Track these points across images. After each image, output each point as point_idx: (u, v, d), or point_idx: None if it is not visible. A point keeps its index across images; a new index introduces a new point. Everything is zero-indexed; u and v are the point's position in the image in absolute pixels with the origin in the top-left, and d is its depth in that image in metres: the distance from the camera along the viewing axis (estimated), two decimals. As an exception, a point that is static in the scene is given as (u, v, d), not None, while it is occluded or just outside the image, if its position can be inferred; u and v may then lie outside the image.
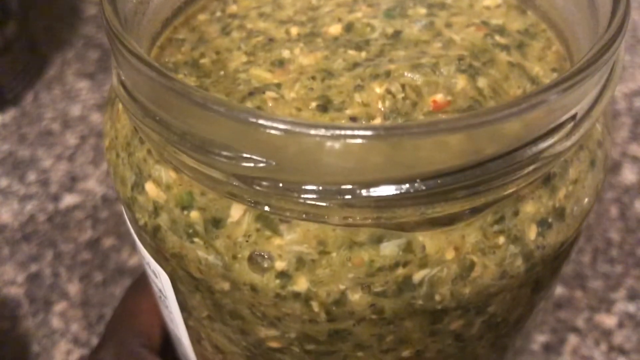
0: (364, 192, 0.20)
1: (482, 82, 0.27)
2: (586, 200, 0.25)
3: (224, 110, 0.19)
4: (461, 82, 0.27)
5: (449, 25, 0.30)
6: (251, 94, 0.26)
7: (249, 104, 0.25)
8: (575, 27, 0.28)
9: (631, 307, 0.47)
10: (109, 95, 0.28)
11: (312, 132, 0.19)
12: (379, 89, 0.26)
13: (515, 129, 0.20)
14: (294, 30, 0.29)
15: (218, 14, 0.30)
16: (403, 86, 0.26)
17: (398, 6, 0.31)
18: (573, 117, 0.22)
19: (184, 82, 0.19)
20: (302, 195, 0.20)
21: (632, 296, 0.47)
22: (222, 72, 0.27)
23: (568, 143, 0.22)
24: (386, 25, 0.30)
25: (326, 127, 0.19)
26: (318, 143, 0.19)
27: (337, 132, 0.18)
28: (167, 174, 0.23)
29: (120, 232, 0.52)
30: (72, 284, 0.50)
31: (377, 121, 0.25)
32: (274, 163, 0.20)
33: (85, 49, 0.65)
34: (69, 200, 0.54)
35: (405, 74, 0.27)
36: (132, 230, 0.26)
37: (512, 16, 0.30)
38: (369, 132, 0.18)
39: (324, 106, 0.25)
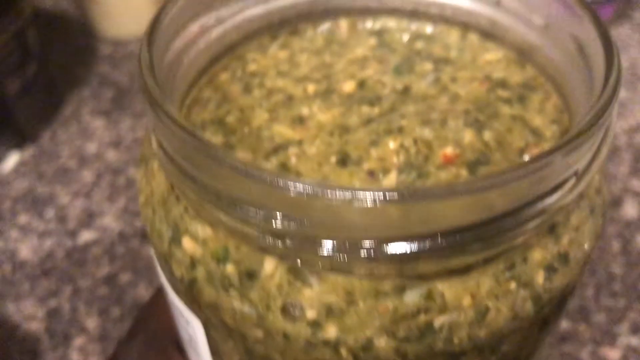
0: (386, 248, 0.21)
1: (487, 135, 0.28)
2: (587, 244, 0.27)
3: (255, 173, 0.21)
4: (468, 135, 0.28)
5: (454, 80, 0.31)
6: (275, 150, 0.27)
7: (274, 160, 0.27)
8: (572, 81, 0.30)
9: (634, 341, 0.47)
10: (142, 153, 0.29)
11: (337, 195, 0.20)
12: (392, 144, 0.27)
13: (524, 188, 0.22)
14: (311, 88, 0.31)
15: (239, 73, 0.32)
16: (415, 141, 0.28)
17: (406, 62, 0.33)
18: (575, 172, 0.23)
19: (219, 147, 0.21)
20: (329, 250, 0.22)
21: (635, 329, 0.47)
22: (246, 130, 0.29)
23: (571, 196, 0.24)
24: (396, 81, 0.31)
25: (349, 191, 0.20)
26: (341, 204, 0.20)
27: (359, 195, 0.20)
28: (203, 230, 0.25)
29: (137, 267, 0.53)
30: (90, 318, 0.51)
31: (393, 175, 0.26)
32: (301, 221, 0.22)
33: (101, 87, 0.66)
34: (86, 236, 0.55)
35: (417, 129, 0.28)
36: (164, 281, 0.28)
37: (513, 70, 0.32)
38: (391, 196, 0.20)
39: (343, 160, 0.27)
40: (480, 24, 0.33)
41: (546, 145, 0.29)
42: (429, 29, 0.35)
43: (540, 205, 0.22)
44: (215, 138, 0.28)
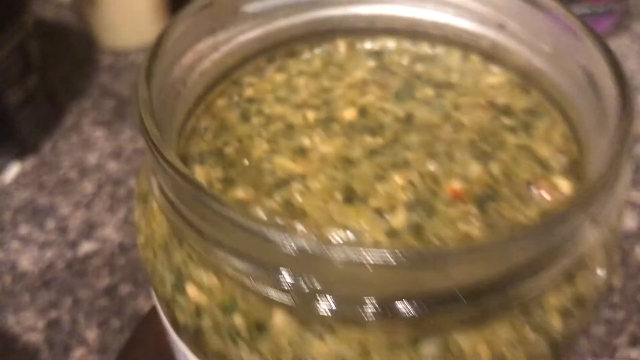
0: (398, 306, 0.18)
1: (494, 167, 0.25)
2: (603, 284, 0.23)
3: (259, 230, 0.18)
4: (475, 168, 0.25)
5: (457, 107, 0.28)
6: (278, 186, 0.24)
7: (277, 197, 0.24)
8: (580, 110, 0.27)
9: (633, 353, 0.44)
10: (139, 190, 0.25)
11: (338, 255, 0.18)
12: (399, 179, 0.24)
13: (542, 245, 0.18)
14: (311, 115, 0.27)
15: (236, 98, 0.29)
16: (422, 175, 0.24)
17: (406, 87, 0.29)
18: (594, 219, 0.20)
19: (222, 199, 0.18)
20: (335, 307, 0.18)
21: (634, 342, 0.45)
22: (246, 162, 0.25)
23: (590, 244, 0.20)
24: (397, 108, 0.28)
25: (352, 250, 0.18)
26: (351, 264, 0.17)
27: (363, 255, 0.17)
28: (208, 278, 0.21)
29: (137, 279, 0.50)
30: (90, 330, 0.48)
31: (401, 214, 0.23)
32: (303, 277, 0.19)
33: (101, 98, 0.62)
34: (86, 247, 0.52)
35: (422, 162, 0.25)
36: (166, 323, 0.24)
37: (517, 95, 0.29)
38: (399, 259, 0.17)
39: (349, 197, 0.24)
40: (481, 45, 0.29)
41: (554, 178, 0.25)
42: (428, 50, 0.31)
43: (558, 258, 0.19)
44: (214, 171, 0.25)
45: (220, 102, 0.29)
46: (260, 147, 0.26)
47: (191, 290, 0.22)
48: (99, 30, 0.62)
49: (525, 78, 0.29)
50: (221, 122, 0.27)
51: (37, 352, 0.46)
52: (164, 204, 0.20)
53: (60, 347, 0.46)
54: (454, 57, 0.31)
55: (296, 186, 0.24)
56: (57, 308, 0.48)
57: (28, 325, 0.47)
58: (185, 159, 0.26)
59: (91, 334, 0.47)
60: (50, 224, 0.53)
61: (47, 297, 0.49)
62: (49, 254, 0.51)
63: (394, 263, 0.17)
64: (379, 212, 0.23)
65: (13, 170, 0.55)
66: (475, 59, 0.30)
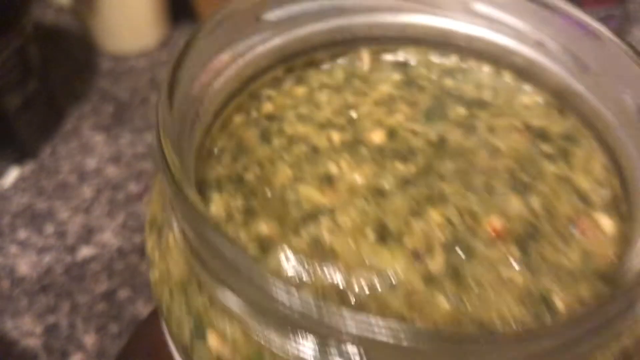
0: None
1: (535, 201, 0.22)
2: None
3: (282, 296, 0.14)
4: (515, 202, 0.22)
5: (491, 129, 0.25)
6: (304, 220, 0.20)
7: (304, 235, 0.20)
8: (622, 141, 0.23)
9: None
10: (152, 216, 0.22)
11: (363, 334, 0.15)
12: (436, 216, 0.21)
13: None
14: (336, 137, 0.24)
15: (254, 114, 0.25)
16: (460, 211, 0.21)
17: (437, 105, 0.26)
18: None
19: (245, 253, 0.14)
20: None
21: None
22: (268, 191, 0.21)
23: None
24: (429, 130, 0.25)
25: (381, 330, 0.15)
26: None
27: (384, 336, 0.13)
28: (232, 328, 0.17)
29: (135, 283, 0.47)
30: (88, 335, 0.45)
31: (440, 256, 0.20)
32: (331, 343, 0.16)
33: (101, 102, 0.59)
34: (85, 252, 0.49)
35: (460, 195, 0.21)
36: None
37: (553, 117, 0.25)
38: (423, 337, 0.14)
39: (382, 235, 0.20)
40: (515, 62, 0.26)
41: (596, 215, 0.22)
42: (458, 64, 0.27)
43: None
44: (234, 201, 0.21)
45: (238, 119, 0.25)
46: (283, 174, 0.22)
47: (213, 340, 0.18)
48: (99, 34, 0.60)
49: (561, 100, 0.25)
50: (239, 143, 0.24)
51: (35, 357, 0.43)
52: (184, 246, 0.16)
53: (58, 352, 0.43)
54: (485, 73, 0.28)
55: (324, 221, 0.20)
56: (55, 313, 0.45)
57: (26, 330, 0.44)
58: (201, 185, 0.22)
59: (89, 339, 0.44)
60: (49, 228, 0.50)
61: (45, 301, 0.46)
62: (47, 258, 0.48)
63: (405, 343, 0.13)
64: (416, 254, 0.20)
65: (12, 174, 0.53)
66: (507, 75, 0.27)
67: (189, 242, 0.17)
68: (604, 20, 0.58)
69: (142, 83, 0.61)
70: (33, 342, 0.44)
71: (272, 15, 0.24)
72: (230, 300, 0.16)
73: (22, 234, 0.49)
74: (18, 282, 0.47)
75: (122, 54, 0.61)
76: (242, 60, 0.24)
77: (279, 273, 0.19)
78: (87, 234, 0.49)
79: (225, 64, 0.24)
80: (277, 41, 0.26)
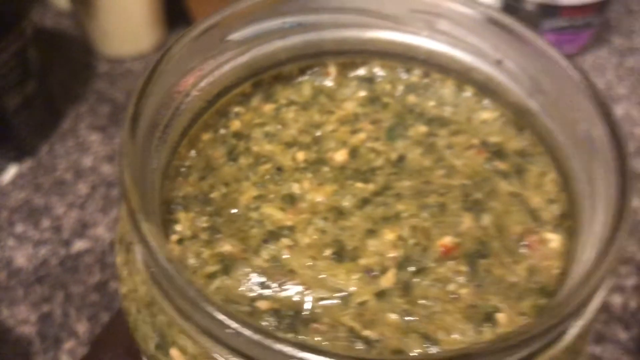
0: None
1: (486, 219, 0.22)
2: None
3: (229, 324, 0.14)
4: (467, 221, 0.22)
5: (449, 147, 0.25)
6: (266, 241, 0.20)
7: (264, 254, 0.19)
8: (572, 159, 0.22)
9: (597, 350, 0.42)
10: (120, 234, 0.21)
11: None
12: (390, 235, 0.20)
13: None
14: (301, 156, 0.23)
15: (222, 131, 0.24)
16: (413, 229, 0.20)
17: (399, 123, 0.25)
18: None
19: (193, 285, 0.13)
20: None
21: (598, 339, 0.43)
22: (233, 211, 0.21)
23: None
24: (389, 149, 0.24)
25: None
26: None
27: None
28: (193, 346, 0.17)
29: None
30: (80, 323, 0.45)
31: (391, 273, 0.19)
32: None
33: (98, 103, 0.58)
34: (79, 245, 0.49)
35: (414, 214, 0.21)
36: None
37: (510, 134, 0.25)
38: None
39: (339, 254, 0.19)
40: (476, 78, 0.25)
41: (544, 232, 0.21)
42: (422, 79, 0.26)
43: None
44: (199, 220, 0.20)
45: (206, 137, 0.24)
46: (248, 193, 0.22)
47: (175, 355, 0.18)
48: (97, 38, 0.59)
49: (520, 117, 0.25)
50: (207, 161, 0.23)
51: (29, 344, 0.43)
52: (145, 271, 0.16)
53: (52, 339, 0.43)
54: (448, 88, 0.27)
55: (284, 241, 0.20)
56: (50, 302, 0.45)
57: (21, 319, 0.44)
58: (169, 204, 0.21)
59: (81, 327, 0.44)
60: (45, 223, 0.50)
61: (40, 292, 0.46)
62: (43, 251, 0.48)
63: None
64: (369, 271, 0.19)
65: (11, 171, 0.53)
66: (469, 90, 0.27)
67: (148, 269, 0.16)
68: (582, 28, 0.58)
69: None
70: (28, 330, 0.44)
71: (237, 35, 0.24)
72: (185, 325, 0.16)
73: (19, 228, 0.49)
74: (15, 273, 0.47)
75: (119, 57, 0.61)
76: (209, 79, 0.24)
77: (233, 295, 0.19)
78: (82, 229, 0.50)
79: (191, 84, 0.23)
80: (243, 58, 0.25)
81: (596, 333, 0.43)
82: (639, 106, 0.56)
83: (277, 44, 0.25)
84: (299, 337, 0.19)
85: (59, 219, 0.50)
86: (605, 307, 0.44)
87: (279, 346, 0.14)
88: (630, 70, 0.59)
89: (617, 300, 0.44)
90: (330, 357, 0.14)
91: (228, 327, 0.15)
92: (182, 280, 0.15)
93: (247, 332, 0.15)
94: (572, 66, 0.22)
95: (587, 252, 0.19)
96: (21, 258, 0.48)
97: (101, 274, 0.47)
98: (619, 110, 0.56)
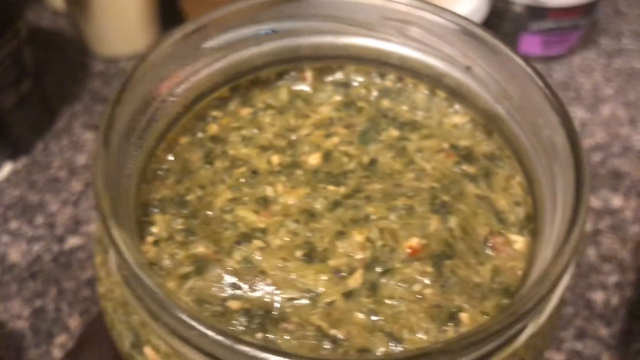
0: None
1: (452, 221, 0.22)
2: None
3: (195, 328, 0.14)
4: (434, 223, 0.22)
5: (420, 150, 0.25)
6: (239, 242, 0.20)
7: (237, 256, 0.20)
8: (536, 165, 0.22)
9: (579, 345, 0.43)
10: (98, 235, 0.21)
11: None
12: (359, 237, 0.20)
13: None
14: (275, 160, 0.24)
15: (200, 135, 0.24)
16: (381, 231, 0.20)
17: (372, 127, 0.25)
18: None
19: (161, 292, 0.13)
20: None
21: (580, 335, 0.43)
22: (208, 213, 0.21)
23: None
24: (362, 152, 0.24)
25: None
26: None
27: None
28: (166, 345, 0.17)
29: None
30: (72, 318, 0.45)
31: (359, 274, 0.20)
32: None
33: (92, 102, 0.59)
34: (72, 241, 0.49)
35: (383, 217, 0.21)
36: None
37: (479, 137, 0.25)
38: None
39: (309, 255, 0.20)
40: (448, 83, 0.26)
41: (509, 234, 0.21)
42: (396, 84, 0.26)
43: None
44: (175, 222, 0.20)
45: (184, 140, 0.25)
46: (223, 196, 0.22)
47: (149, 353, 0.18)
48: (92, 38, 0.59)
49: (488, 121, 0.25)
50: (184, 164, 0.23)
51: (22, 338, 0.43)
52: (118, 274, 0.16)
53: (45, 333, 0.43)
54: (421, 93, 0.27)
55: (257, 243, 0.20)
56: (43, 297, 0.45)
57: (14, 313, 0.44)
58: (146, 206, 0.21)
59: (73, 322, 0.44)
60: (39, 219, 0.50)
61: (34, 287, 0.46)
62: (36, 247, 0.48)
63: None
64: (337, 272, 0.19)
65: (6, 169, 0.53)
66: (441, 94, 0.27)
67: (120, 272, 0.16)
68: (570, 30, 0.58)
69: (131, 85, 0.60)
70: (21, 324, 0.44)
71: (213, 42, 0.24)
72: (155, 326, 0.16)
73: (13, 224, 0.50)
74: (8, 269, 0.47)
75: (114, 57, 0.61)
76: (186, 85, 0.24)
77: (205, 296, 0.19)
78: (75, 225, 0.50)
79: (168, 90, 0.23)
80: (220, 64, 0.25)
81: (578, 329, 0.43)
82: (626, 106, 0.56)
83: (253, 50, 0.26)
84: (269, 336, 0.19)
85: (52, 216, 0.50)
86: (587, 304, 0.44)
87: (241, 347, 0.15)
88: (617, 72, 0.59)
89: (599, 297, 0.44)
90: (288, 357, 0.14)
91: (194, 328, 0.15)
92: (151, 284, 0.16)
93: (211, 334, 0.15)
94: (535, 74, 0.22)
95: (546, 252, 0.19)
96: (15, 254, 0.48)
97: (93, 269, 0.47)
98: (605, 110, 0.56)
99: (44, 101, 0.55)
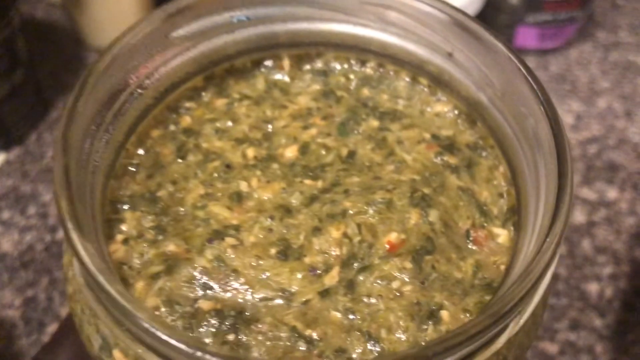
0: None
1: (433, 215, 0.21)
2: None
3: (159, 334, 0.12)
4: (414, 216, 0.20)
5: (400, 141, 0.23)
6: (210, 240, 0.18)
7: (208, 254, 0.18)
8: (519, 154, 0.21)
9: (572, 336, 0.42)
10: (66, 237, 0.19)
11: None
12: (335, 233, 0.19)
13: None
14: (250, 153, 0.22)
15: (172, 128, 0.23)
16: (359, 226, 0.19)
17: (351, 118, 0.24)
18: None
19: (122, 299, 0.12)
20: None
21: (574, 326, 0.42)
22: (180, 210, 0.19)
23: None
24: (340, 144, 0.23)
25: None
26: None
27: None
28: (134, 348, 0.15)
29: None
30: (64, 307, 0.43)
31: (335, 271, 0.18)
32: None
33: (85, 93, 0.56)
34: None
35: (361, 211, 0.20)
36: None
37: (462, 126, 0.23)
38: None
39: (284, 252, 0.18)
40: (430, 70, 0.24)
41: (492, 226, 0.20)
42: (376, 72, 0.25)
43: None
44: (145, 220, 0.19)
45: (155, 133, 0.23)
46: (195, 191, 0.21)
47: (118, 356, 0.18)
48: (86, 29, 0.58)
49: (471, 109, 0.23)
50: (155, 159, 0.22)
51: (13, 327, 0.42)
52: (82, 281, 0.14)
53: (36, 322, 0.42)
54: (402, 81, 0.25)
55: (229, 240, 0.18)
56: (34, 287, 0.44)
57: (5, 303, 0.43)
58: (115, 203, 0.19)
59: (65, 311, 0.43)
60: (32, 209, 0.49)
61: (25, 277, 0.44)
62: (28, 237, 0.46)
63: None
64: (313, 270, 0.18)
65: None
66: (423, 82, 0.25)
67: (84, 277, 0.15)
68: (566, 23, 0.56)
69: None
70: (12, 314, 0.43)
71: (182, 31, 0.22)
72: (117, 331, 0.15)
73: (5, 214, 0.48)
74: (0, 259, 0.45)
75: (108, 48, 0.59)
76: (155, 76, 0.22)
77: (175, 296, 0.18)
78: (67, 215, 0.48)
79: (136, 82, 0.21)
80: (190, 54, 0.23)
81: (572, 320, 0.42)
82: (622, 99, 0.55)
83: (226, 38, 0.24)
84: (241, 337, 0.18)
85: (45, 206, 0.49)
86: (581, 295, 0.43)
87: (205, 356, 0.13)
88: (614, 65, 0.58)
89: (593, 288, 0.43)
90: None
91: (156, 336, 0.14)
92: (112, 291, 0.14)
93: (174, 342, 0.14)
94: (518, 60, 0.21)
95: (529, 246, 0.18)
96: (7, 243, 0.47)
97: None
98: (601, 103, 0.55)
99: (37, 92, 0.53)
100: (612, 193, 0.48)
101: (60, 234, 0.47)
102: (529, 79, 0.21)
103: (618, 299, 0.42)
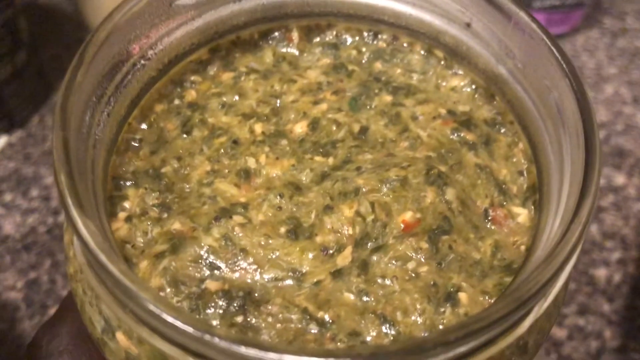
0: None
1: (450, 193, 0.20)
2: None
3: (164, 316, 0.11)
4: (430, 195, 0.19)
5: (414, 117, 0.22)
6: (217, 219, 0.17)
7: (215, 232, 0.17)
8: (541, 129, 0.20)
9: (581, 321, 0.42)
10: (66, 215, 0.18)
11: None
12: (348, 211, 0.18)
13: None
14: (258, 128, 0.21)
15: (176, 101, 0.21)
16: (372, 205, 0.18)
17: (363, 93, 0.22)
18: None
19: (127, 279, 0.11)
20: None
21: (582, 311, 0.42)
22: (185, 187, 0.18)
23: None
24: (352, 120, 0.22)
25: None
26: None
27: None
28: (138, 330, 0.15)
29: None
30: (66, 290, 0.43)
31: (348, 251, 0.17)
32: None
33: (88, 76, 0.55)
34: None
35: (374, 189, 0.19)
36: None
37: (479, 101, 0.22)
38: None
39: (294, 231, 0.17)
40: (446, 42, 0.23)
41: (512, 205, 0.19)
42: (390, 44, 0.23)
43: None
44: (149, 197, 0.18)
45: (159, 108, 0.22)
46: (201, 168, 0.20)
47: (121, 338, 0.18)
48: (89, 12, 0.58)
49: (490, 83, 0.22)
50: (159, 134, 0.21)
51: (15, 309, 0.42)
52: (83, 260, 0.13)
53: (38, 304, 0.42)
54: (417, 54, 0.24)
55: (237, 219, 0.17)
56: (37, 269, 0.43)
57: (7, 285, 0.43)
58: (117, 180, 0.19)
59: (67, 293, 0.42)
60: (34, 192, 0.48)
61: (27, 259, 0.44)
62: (31, 219, 0.46)
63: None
64: (325, 250, 0.17)
65: (0, 142, 0.49)
66: (439, 54, 0.24)
67: (85, 257, 0.14)
68: (573, 8, 0.55)
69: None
70: (14, 296, 0.42)
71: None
72: (121, 313, 0.14)
73: (8, 196, 0.48)
74: (2, 241, 0.45)
75: (110, 31, 0.58)
76: (158, 47, 0.21)
77: (181, 276, 0.17)
78: (69, 197, 0.47)
79: (138, 52, 0.20)
80: (195, 23, 0.22)
81: (580, 305, 0.42)
82: (629, 85, 0.55)
83: (233, 8, 0.23)
84: (250, 319, 0.17)
85: (47, 189, 0.49)
86: (589, 281, 0.43)
87: (212, 339, 0.12)
88: (621, 51, 0.57)
89: (601, 273, 0.43)
90: (263, 349, 0.12)
91: (161, 318, 0.13)
92: (114, 270, 0.13)
93: (180, 324, 0.13)
94: (540, 30, 0.19)
95: (553, 227, 0.17)
96: (9, 226, 0.46)
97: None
98: (609, 89, 0.54)
99: (39, 74, 0.53)
100: (619, 179, 0.48)
101: (62, 217, 0.47)
102: (554, 50, 0.20)
103: (626, 284, 0.42)
